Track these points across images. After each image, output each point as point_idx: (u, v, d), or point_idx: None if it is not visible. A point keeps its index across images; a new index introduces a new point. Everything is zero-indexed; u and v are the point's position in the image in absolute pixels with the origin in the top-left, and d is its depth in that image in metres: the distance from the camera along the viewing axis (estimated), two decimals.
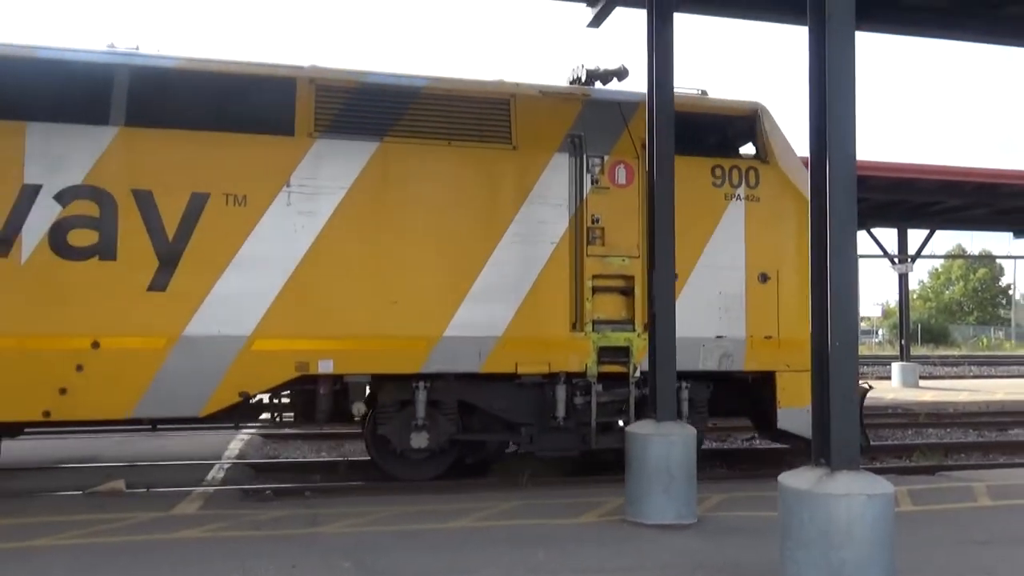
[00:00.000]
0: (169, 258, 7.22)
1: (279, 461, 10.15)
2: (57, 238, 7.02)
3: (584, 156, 8.30)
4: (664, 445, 6.38)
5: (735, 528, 6.29)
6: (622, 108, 8.59)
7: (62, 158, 7.08)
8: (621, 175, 8.36)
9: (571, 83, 9.16)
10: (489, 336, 7.47)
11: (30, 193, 7.00)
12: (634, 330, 8.21)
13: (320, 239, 7.51)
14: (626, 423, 8.05)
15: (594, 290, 8.17)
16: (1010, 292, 68.55)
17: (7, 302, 6.90)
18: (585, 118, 8.46)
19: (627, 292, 8.31)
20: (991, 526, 6.41)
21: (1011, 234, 24.37)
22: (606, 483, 8.26)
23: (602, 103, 8.63)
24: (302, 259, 7.45)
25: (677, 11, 7.20)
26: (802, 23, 5.10)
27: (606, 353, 8.15)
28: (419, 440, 7.92)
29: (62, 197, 7.06)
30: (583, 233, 8.17)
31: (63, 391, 6.94)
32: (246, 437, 11.31)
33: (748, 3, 8.21)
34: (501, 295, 7.80)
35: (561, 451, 8.46)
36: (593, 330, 8.12)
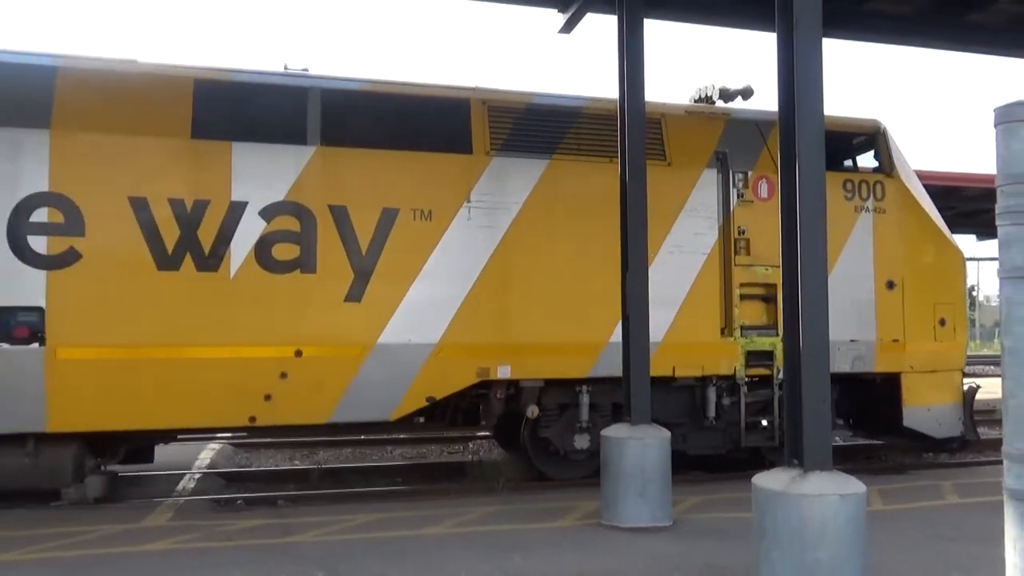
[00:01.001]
0: (363, 270, 7.62)
1: (250, 470, 10.01)
2: (262, 252, 7.39)
3: (730, 172, 8.86)
4: (639, 448, 6.41)
5: (710, 530, 6.33)
6: (760, 126, 9.22)
7: (266, 176, 7.45)
8: (763, 189, 8.98)
9: (697, 101, 9.73)
10: (651, 342, 7.41)
11: (237, 210, 7.36)
12: (777, 335, 8.67)
13: (497, 251, 7.98)
14: (771, 423, 8.83)
15: (741, 297, 8.76)
16: (974, 294, 70.00)
17: (218, 315, 7.24)
18: (728, 136, 9.06)
19: (769, 299, 8.87)
20: (958, 523, 6.52)
21: (974, 236, 24.87)
22: (581, 487, 8.27)
23: (742, 121, 9.24)
24: (482, 271, 7.91)
25: (647, 17, 7.26)
26: (770, 30, 5.18)
27: (752, 357, 8.75)
28: (582, 442, 8.35)
29: (266, 213, 7.43)
30: (731, 244, 8.78)
31: (268, 397, 7.30)
32: (216, 446, 11.15)
33: (718, 10, 8.30)
34: (661, 303, 7.91)
35: (711, 449, 8.95)
36: (741, 335, 8.72)
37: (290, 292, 7.38)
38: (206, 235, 7.26)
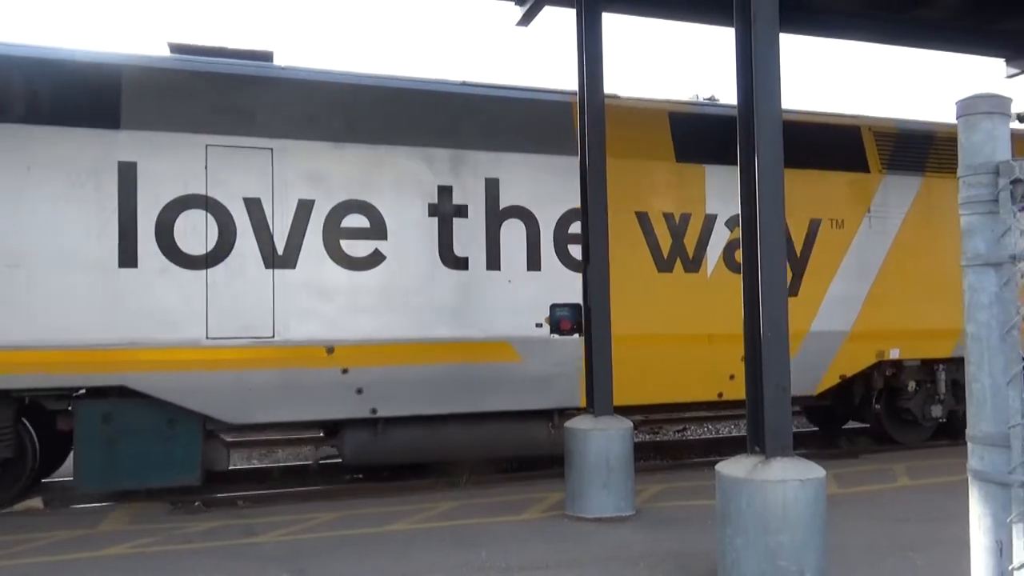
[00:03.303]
0: (798, 270, 9.15)
1: (208, 471, 9.80)
2: (728, 256, 8.86)
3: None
4: (603, 439, 6.46)
5: (673, 518, 6.42)
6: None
7: (727, 192, 8.69)
8: None
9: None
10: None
11: (710, 221, 8.86)
12: None
13: (889, 254, 9.56)
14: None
15: None
16: None
17: (699, 308, 8.68)
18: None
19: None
20: (910, 505, 6.74)
21: None
22: (545, 479, 8.32)
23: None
24: (879, 270, 9.50)
25: (606, 11, 7.30)
26: (728, 25, 5.25)
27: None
28: (937, 411, 9.85)
29: (730, 224, 8.88)
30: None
31: (732, 377, 8.64)
32: None
33: (677, 5, 8.38)
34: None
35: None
36: None
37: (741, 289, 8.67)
38: (690, 242, 8.79)
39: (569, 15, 7.48)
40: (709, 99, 10.20)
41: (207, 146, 7.35)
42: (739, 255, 9.01)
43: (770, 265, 4.81)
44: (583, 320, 7.11)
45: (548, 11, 8.42)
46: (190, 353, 7.15)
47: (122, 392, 7.11)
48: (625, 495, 6.51)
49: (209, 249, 7.28)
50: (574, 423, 6.73)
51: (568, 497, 6.63)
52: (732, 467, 4.63)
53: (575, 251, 8.19)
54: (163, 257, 7.16)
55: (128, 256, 7.06)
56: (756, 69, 4.86)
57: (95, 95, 7.20)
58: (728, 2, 5.11)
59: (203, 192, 7.30)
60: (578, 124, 7.53)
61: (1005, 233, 1.95)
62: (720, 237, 8.89)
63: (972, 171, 2.04)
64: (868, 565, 5.07)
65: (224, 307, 7.27)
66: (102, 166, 7.06)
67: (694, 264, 8.76)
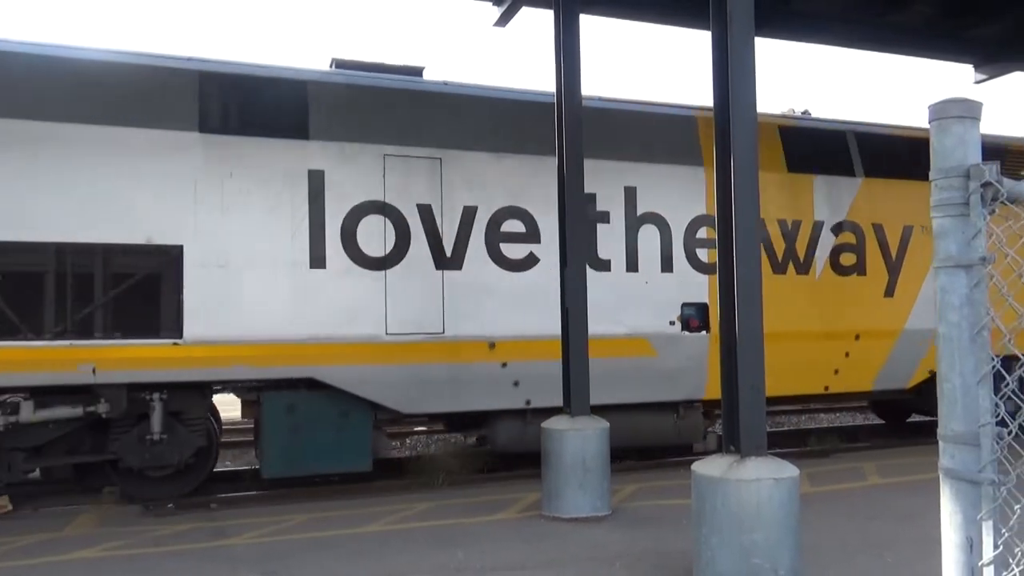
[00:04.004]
0: (894, 273, 9.89)
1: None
2: (834, 259, 9.75)
3: None
4: (580, 439, 6.48)
5: (648, 518, 6.46)
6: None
7: (833, 201, 9.73)
8: None
9: None
10: None
11: (817, 227, 9.69)
12: None
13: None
14: None
15: None
16: None
17: (807, 308, 9.47)
18: None
19: None
20: (880, 503, 6.84)
21: None
22: (521, 479, 8.33)
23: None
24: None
25: (584, 13, 7.32)
26: (704, 28, 5.29)
27: None
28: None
29: (835, 229, 9.72)
30: None
31: (836, 371, 9.50)
32: None
33: (654, 8, 8.43)
34: None
35: None
36: None
37: (851, 290, 9.65)
38: (800, 247, 9.55)
39: (547, 16, 7.49)
40: (804, 113, 10.78)
41: (384, 156, 8.00)
42: (844, 259, 10.04)
43: (745, 266, 4.84)
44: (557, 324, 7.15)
45: (526, 12, 8.43)
46: (371, 348, 7.77)
47: (309, 384, 7.69)
48: (601, 495, 6.53)
49: (387, 252, 7.93)
50: (551, 423, 6.74)
51: (545, 497, 6.63)
52: (707, 466, 4.66)
53: (702, 255, 9.15)
54: (347, 259, 7.77)
55: (318, 257, 7.68)
56: (732, 72, 4.90)
57: (288, 108, 7.82)
58: (705, 6, 5.15)
59: (381, 198, 7.95)
60: (704, 136, 9.01)
61: (976, 235, 1.98)
62: (827, 242, 9.72)
63: (944, 174, 2.06)
64: (841, 563, 5.13)
65: (400, 305, 7.91)
66: (295, 174, 7.68)
67: (804, 267, 9.57)
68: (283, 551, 5.65)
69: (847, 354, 9.61)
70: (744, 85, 4.90)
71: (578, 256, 6.98)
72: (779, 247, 9.49)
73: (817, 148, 9.91)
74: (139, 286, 7.15)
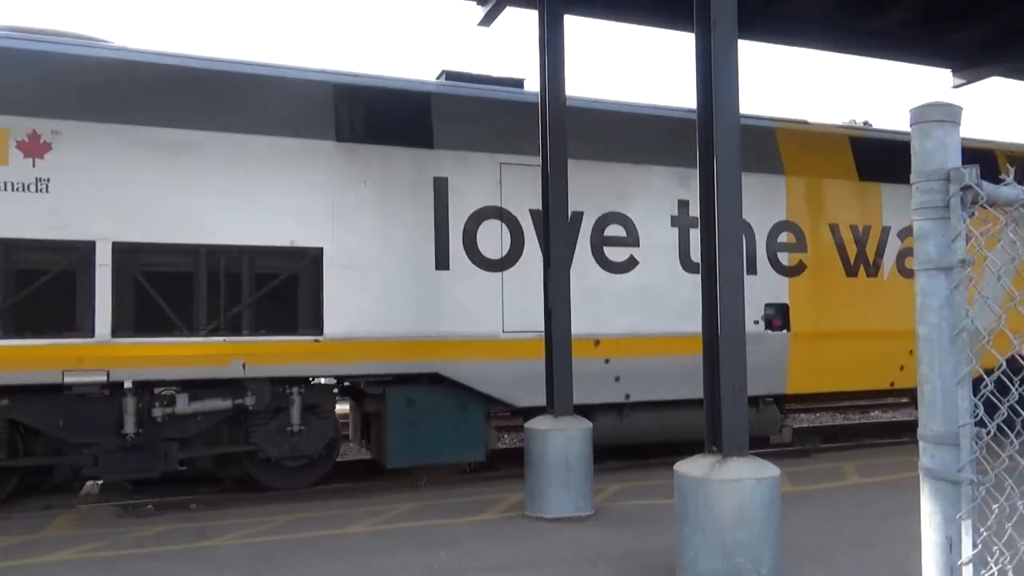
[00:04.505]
0: None
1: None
2: (900, 262, 10.26)
3: None
4: (563, 439, 6.49)
5: (631, 517, 6.48)
6: None
7: (900, 207, 10.21)
8: None
9: None
10: None
11: (885, 233, 10.24)
12: None
13: None
14: None
15: None
16: None
17: (876, 308, 9.99)
18: None
19: None
20: (861, 502, 6.91)
21: None
22: (504, 480, 8.33)
23: None
24: None
25: (568, 13, 7.33)
26: (688, 30, 5.31)
27: None
28: None
29: (902, 234, 10.30)
30: None
31: (901, 368, 9.89)
32: None
33: (638, 9, 8.47)
34: None
35: None
36: None
37: (911, 291, 10.13)
38: (870, 251, 10.07)
39: (532, 16, 7.49)
40: (864, 123, 11.23)
41: (501, 164, 8.52)
42: (909, 262, 10.52)
43: (727, 267, 4.88)
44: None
45: (510, 12, 8.43)
46: (489, 345, 8.30)
47: (428, 379, 8.16)
48: (584, 495, 6.55)
49: (504, 254, 8.45)
50: (533, 423, 6.74)
51: (527, 497, 6.64)
52: (690, 466, 4.69)
53: (783, 258, 9.72)
54: (468, 261, 8.29)
55: (442, 259, 8.18)
56: (715, 74, 4.94)
57: (414, 119, 8.32)
58: (689, 8, 5.18)
59: (498, 204, 8.46)
60: (782, 147, 9.72)
61: (955, 238, 2.00)
62: (894, 246, 10.23)
63: (924, 177, 2.08)
64: (821, 561, 5.17)
65: (516, 305, 8.41)
66: (421, 180, 8.17)
67: (874, 269, 10.11)
68: (267, 552, 5.61)
69: (911, 351, 10.33)
70: (728, 86, 4.94)
71: (562, 257, 6.99)
72: (851, 252, 10.03)
73: (885, 157, 10.33)
74: (283, 286, 7.64)
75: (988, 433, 2.02)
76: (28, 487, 7.93)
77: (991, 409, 2.07)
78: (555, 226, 6.99)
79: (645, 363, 8.80)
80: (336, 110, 8.01)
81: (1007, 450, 2.12)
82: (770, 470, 4.56)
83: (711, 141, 4.95)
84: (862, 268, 10.08)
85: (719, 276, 4.88)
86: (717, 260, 4.89)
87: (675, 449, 10.13)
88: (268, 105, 7.81)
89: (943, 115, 2.08)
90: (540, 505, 6.51)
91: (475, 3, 8.58)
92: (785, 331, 9.60)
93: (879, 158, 10.36)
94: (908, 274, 10.20)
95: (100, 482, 8.78)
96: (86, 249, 7.01)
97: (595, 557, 5.35)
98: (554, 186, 7.01)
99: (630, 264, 8.98)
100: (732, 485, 4.45)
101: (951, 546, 1.93)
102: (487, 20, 8.61)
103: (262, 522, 6.53)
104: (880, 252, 10.21)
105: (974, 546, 1.89)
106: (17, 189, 6.87)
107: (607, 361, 8.71)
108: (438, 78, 9.04)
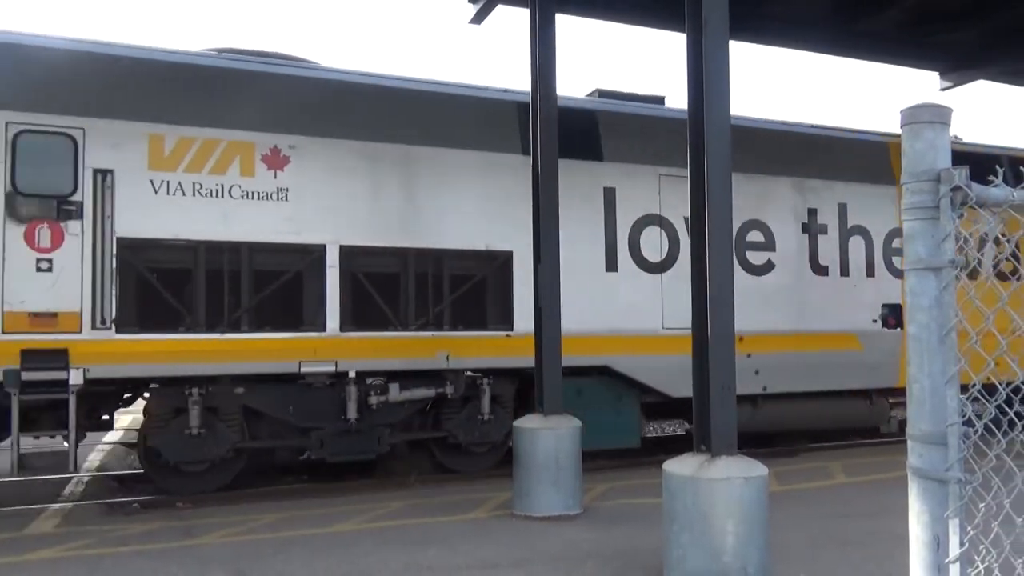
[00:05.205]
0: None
1: (145, 472, 9.52)
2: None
3: None
4: (552, 438, 6.49)
5: (619, 516, 6.49)
6: None
7: None
8: None
9: None
10: None
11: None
12: None
13: None
14: None
15: None
16: None
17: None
18: None
19: None
20: (847, 501, 6.95)
21: None
22: (493, 478, 8.32)
23: None
24: None
25: (559, 12, 7.33)
26: (679, 30, 5.33)
27: None
28: None
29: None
30: None
31: (996, 364, 9.83)
32: (107, 447, 10.56)
33: (629, 9, 8.47)
34: None
35: None
36: None
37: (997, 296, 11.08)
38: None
39: (523, 15, 7.48)
40: (954, 138, 11.12)
41: (660, 175, 9.31)
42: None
43: (718, 269, 4.89)
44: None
45: (502, 10, 8.41)
46: (652, 340, 9.09)
47: (590, 372, 8.84)
48: (573, 493, 6.55)
49: (663, 257, 9.25)
50: (522, 422, 6.74)
51: (516, 496, 6.63)
52: (679, 465, 4.70)
53: (897, 261, 10.26)
54: (633, 263, 9.10)
55: (611, 262, 9.01)
56: (706, 75, 4.95)
57: (587, 134, 9.14)
58: (680, 8, 5.18)
59: (657, 212, 9.28)
60: (894, 159, 10.12)
61: (945, 239, 2.01)
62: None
63: (915, 178, 2.10)
64: (809, 560, 5.20)
65: (673, 304, 9.02)
66: (593, 191, 9.01)
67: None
68: (253, 550, 5.58)
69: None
70: (718, 86, 4.95)
71: (551, 255, 6.99)
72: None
73: (986, 169, 11.15)
74: (479, 285, 8.44)
75: (976, 432, 2.03)
76: (251, 468, 8.27)
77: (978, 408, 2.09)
78: (546, 225, 6.99)
79: (782, 357, 9.57)
80: (521, 126, 8.65)
81: (994, 449, 2.14)
82: (758, 469, 4.57)
83: (702, 141, 4.95)
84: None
85: (708, 276, 4.89)
86: (707, 261, 4.90)
87: (652, 451, 10.15)
88: (469, 122, 8.67)
89: (933, 116, 2.10)
90: (529, 504, 6.51)
91: (466, 0, 8.56)
92: (899, 329, 10.09)
93: (980, 170, 11.10)
94: (1004, 279, 11.50)
95: (84, 479, 8.71)
96: (318, 252, 7.80)
97: (584, 556, 5.36)
98: (544, 185, 7.01)
99: (768, 267, 9.78)
100: (720, 484, 4.46)
101: (938, 544, 1.95)
102: (478, 18, 8.59)
103: (249, 520, 6.50)
104: None
105: (961, 544, 1.90)
106: (262, 198, 7.64)
107: (748, 356, 9.29)
108: (589, 95, 9.82)
